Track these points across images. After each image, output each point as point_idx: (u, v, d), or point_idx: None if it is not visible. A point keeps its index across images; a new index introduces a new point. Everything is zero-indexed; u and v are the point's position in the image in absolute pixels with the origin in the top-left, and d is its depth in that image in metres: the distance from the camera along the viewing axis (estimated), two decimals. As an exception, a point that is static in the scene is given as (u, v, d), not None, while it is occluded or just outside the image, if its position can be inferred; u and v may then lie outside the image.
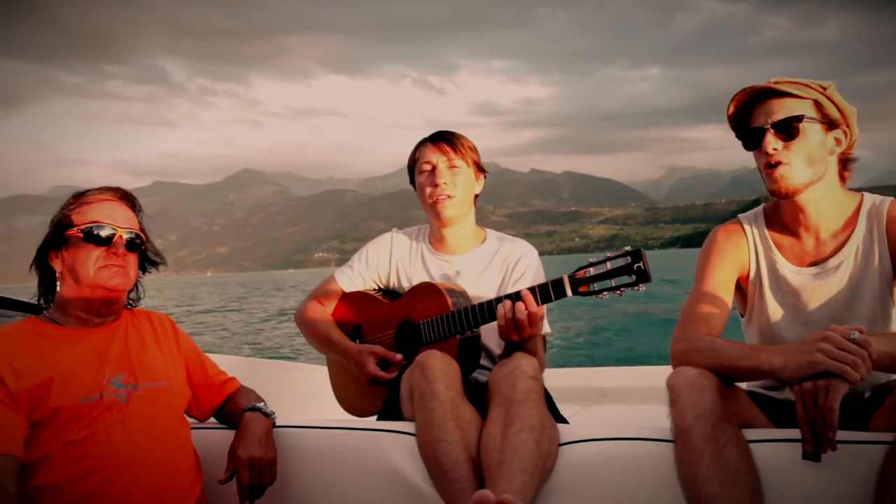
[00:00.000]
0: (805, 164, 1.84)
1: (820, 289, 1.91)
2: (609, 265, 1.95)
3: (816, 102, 1.86)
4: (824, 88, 1.87)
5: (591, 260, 1.99)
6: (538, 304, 2.04)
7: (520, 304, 2.03)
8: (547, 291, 2.03)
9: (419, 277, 2.47)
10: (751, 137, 1.90)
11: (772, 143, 1.84)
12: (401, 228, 2.65)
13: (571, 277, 2.00)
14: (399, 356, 2.31)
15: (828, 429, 1.48)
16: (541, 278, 2.39)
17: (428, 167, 2.41)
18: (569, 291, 2.00)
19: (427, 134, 2.49)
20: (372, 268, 2.58)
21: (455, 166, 2.39)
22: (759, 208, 2.08)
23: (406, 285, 2.50)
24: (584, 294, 1.98)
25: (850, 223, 1.91)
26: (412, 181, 2.52)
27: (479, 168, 2.48)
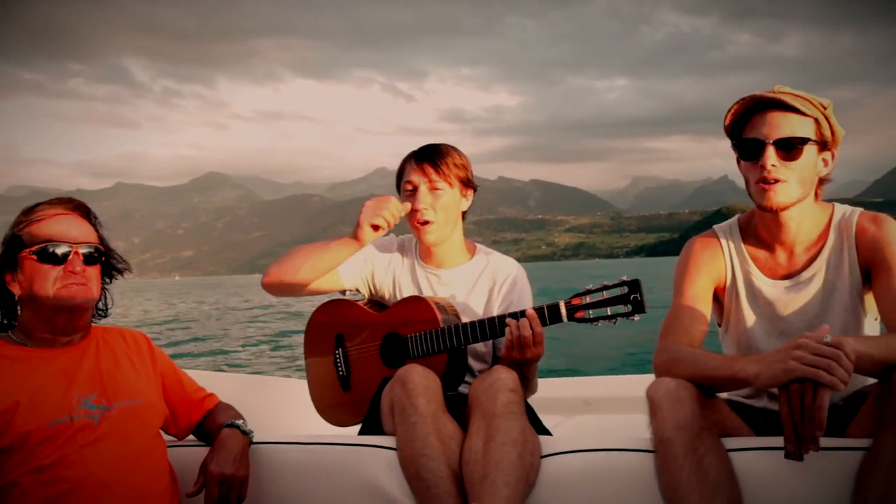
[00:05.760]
0: (798, 184, 1.83)
1: (794, 300, 1.94)
2: (606, 294, 1.98)
3: (816, 122, 1.85)
4: (825, 108, 1.86)
5: (589, 287, 2.02)
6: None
7: (524, 321, 2.04)
8: (542, 315, 2.04)
9: (408, 289, 2.44)
10: (748, 148, 1.87)
11: (772, 159, 1.81)
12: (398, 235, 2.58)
13: (568, 304, 2.02)
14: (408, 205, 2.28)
15: (816, 427, 1.47)
16: (527, 296, 2.40)
17: (410, 188, 2.35)
18: (565, 317, 2.02)
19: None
20: (363, 259, 2.46)
21: (437, 188, 2.31)
22: (734, 220, 2.08)
23: (396, 292, 2.46)
24: (580, 321, 2.01)
25: (823, 236, 1.93)
26: (399, 192, 2.45)
27: (467, 184, 2.40)
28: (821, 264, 1.92)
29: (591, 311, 1.99)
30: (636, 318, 1.95)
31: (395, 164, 2.48)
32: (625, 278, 1.97)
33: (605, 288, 1.98)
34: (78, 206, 1.89)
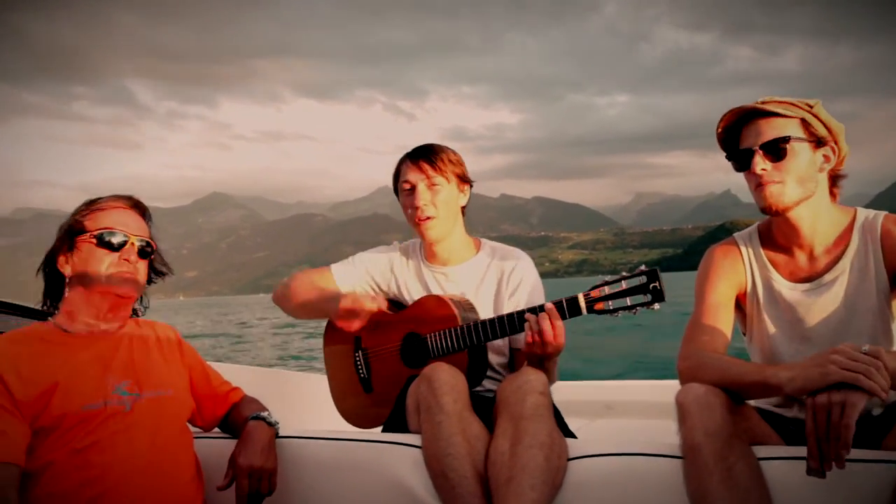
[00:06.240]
0: (795, 183, 1.84)
1: (815, 304, 1.91)
2: (624, 284, 1.96)
3: (803, 121, 1.86)
4: (811, 106, 1.87)
5: (607, 279, 1.99)
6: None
7: (543, 316, 2.02)
8: (562, 308, 2.03)
9: (416, 290, 2.45)
10: (741, 159, 1.90)
11: (760, 164, 1.84)
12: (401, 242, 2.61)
13: (587, 296, 2.00)
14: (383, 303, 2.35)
15: (842, 446, 1.43)
16: (537, 288, 2.39)
17: (408, 187, 2.37)
18: (584, 309, 2.00)
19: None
20: (363, 269, 2.51)
21: (435, 184, 2.33)
22: (754, 227, 2.08)
23: (404, 295, 2.48)
24: (600, 312, 1.98)
25: (844, 238, 1.91)
26: (397, 194, 2.47)
27: (463, 179, 2.41)
28: (844, 266, 1.89)
29: (610, 303, 1.97)
30: (656, 306, 1.92)
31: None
32: (643, 268, 1.95)
33: (624, 278, 1.96)
34: (136, 204, 1.98)
